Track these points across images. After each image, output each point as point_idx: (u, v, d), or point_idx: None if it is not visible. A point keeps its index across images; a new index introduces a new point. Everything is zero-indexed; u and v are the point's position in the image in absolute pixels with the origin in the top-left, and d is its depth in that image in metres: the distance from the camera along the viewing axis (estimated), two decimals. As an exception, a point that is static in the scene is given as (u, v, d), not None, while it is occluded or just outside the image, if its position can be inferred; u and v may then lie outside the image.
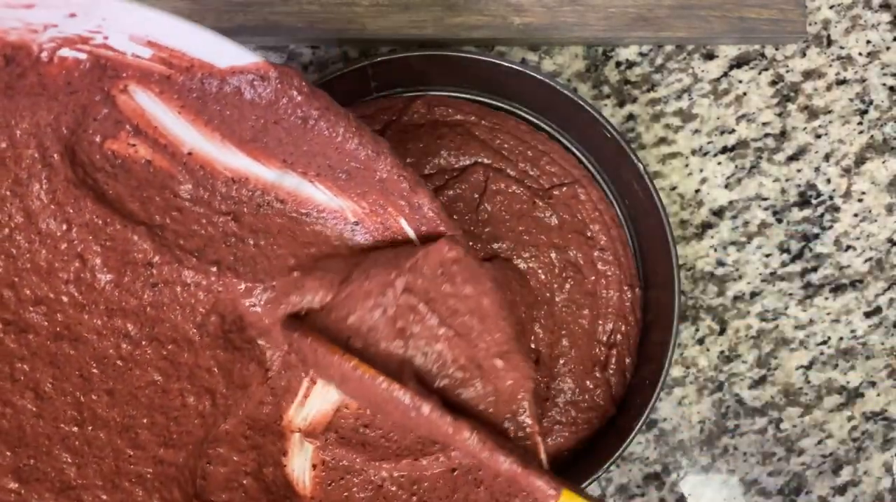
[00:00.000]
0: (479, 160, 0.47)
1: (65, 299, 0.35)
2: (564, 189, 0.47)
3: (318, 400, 0.38)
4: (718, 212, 0.52)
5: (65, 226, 0.35)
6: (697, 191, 0.52)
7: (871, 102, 0.52)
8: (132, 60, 0.33)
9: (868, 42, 0.52)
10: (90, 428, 0.35)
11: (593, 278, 0.47)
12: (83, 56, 0.32)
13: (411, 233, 0.37)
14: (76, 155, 0.35)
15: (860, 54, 0.52)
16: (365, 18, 0.48)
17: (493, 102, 0.48)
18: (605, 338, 0.47)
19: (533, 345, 0.46)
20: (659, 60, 0.51)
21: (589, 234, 0.47)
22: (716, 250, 0.52)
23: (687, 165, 0.51)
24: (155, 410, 0.36)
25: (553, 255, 0.47)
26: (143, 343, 0.36)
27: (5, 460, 0.33)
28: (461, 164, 0.47)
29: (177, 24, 0.33)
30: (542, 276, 0.47)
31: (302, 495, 0.38)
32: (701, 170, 0.51)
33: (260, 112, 0.35)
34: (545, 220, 0.47)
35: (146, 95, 0.34)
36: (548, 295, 0.47)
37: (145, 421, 0.36)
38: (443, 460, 0.37)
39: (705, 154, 0.52)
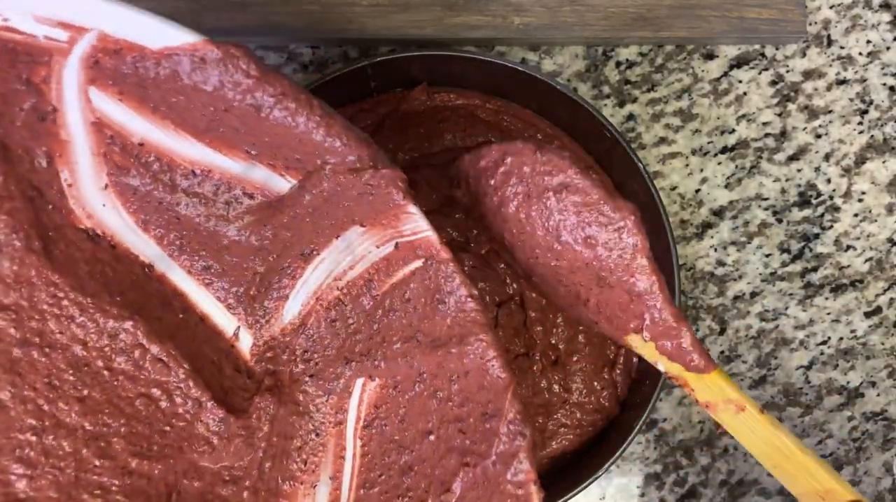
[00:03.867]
0: (488, 140, 0.46)
1: (45, 308, 0.33)
2: None
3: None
4: (718, 212, 0.51)
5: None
6: (697, 190, 0.51)
7: (871, 102, 0.52)
8: (45, 43, 0.30)
9: (868, 42, 0.52)
10: (51, 437, 0.33)
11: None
12: None
13: (406, 239, 0.35)
14: (9, 150, 0.32)
15: (860, 54, 0.52)
16: (365, 18, 0.47)
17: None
18: None
19: (553, 341, 0.46)
20: (659, 60, 0.51)
21: None
22: (716, 250, 0.52)
23: (687, 165, 0.51)
24: (138, 420, 0.34)
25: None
26: (146, 362, 0.34)
27: None
28: (468, 145, 0.47)
29: (90, 3, 0.29)
30: None
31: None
32: (701, 170, 0.51)
33: (206, 98, 0.31)
34: None
35: (75, 82, 0.31)
36: None
37: (123, 430, 0.34)
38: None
39: (705, 154, 0.52)
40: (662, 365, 0.36)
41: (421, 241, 0.34)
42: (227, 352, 0.36)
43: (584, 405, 0.46)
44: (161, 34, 0.30)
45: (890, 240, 0.52)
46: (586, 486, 0.43)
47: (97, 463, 0.33)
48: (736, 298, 0.52)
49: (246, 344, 0.36)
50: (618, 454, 0.43)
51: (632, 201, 0.46)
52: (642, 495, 0.51)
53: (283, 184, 0.34)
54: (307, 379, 0.36)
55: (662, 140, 0.51)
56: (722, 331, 0.52)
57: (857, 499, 0.33)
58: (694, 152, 0.51)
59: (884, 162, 0.52)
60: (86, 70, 0.31)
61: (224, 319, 0.36)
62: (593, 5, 0.48)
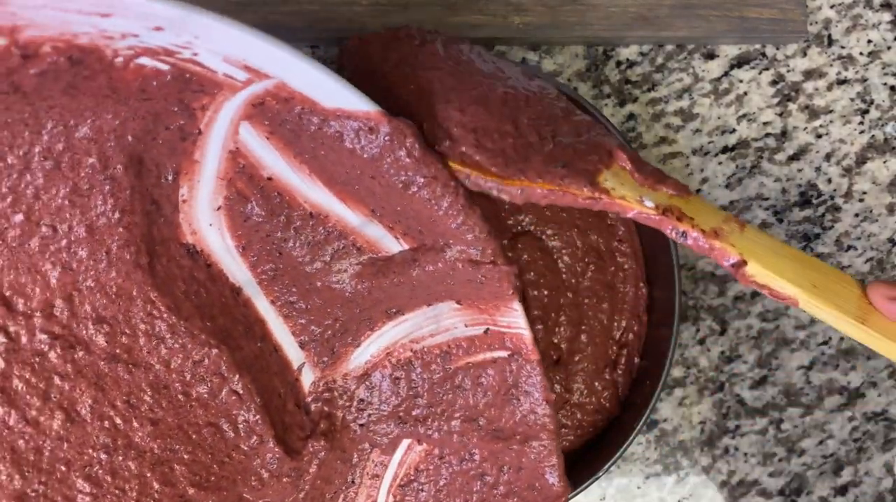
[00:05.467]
0: None
1: (138, 324, 0.33)
2: None
3: None
4: (719, 212, 0.51)
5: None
6: (698, 190, 0.51)
7: (871, 102, 0.52)
8: (222, 79, 0.30)
9: (869, 41, 0.52)
10: (121, 457, 0.33)
11: (612, 269, 0.46)
12: (165, 67, 0.28)
13: (499, 329, 0.35)
14: (143, 165, 0.32)
15: (861, 54, 0.52)
16: (365, 18, 0.47)
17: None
18: (618, 337, 0.47)
19: (555, 341, 0.46)
20: (659, 60, 0.51)
21: (609, 222, 0.47)
22: (716, 250, 0.51)
23: (688, 165, 0.51)
24: (203, 449, 0.34)
25: (575, 236, 0.46)
26: (222, 392, 0.34)
27: (11, 484, 0.31)
28: None
29: (283, 55, 0.29)
30: (567, 259, 0.46)
31: None
32: (702, 170, 0.51)
33: (359, 163, 0.31)
34: None
35: (231, 116, 0.31)
36: (573, 280, 0.46)
37: (187, 457, 0.34)
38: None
39: (706, 154, 0.51)
40: (649, 198, 0.31)
41: (513, 336, 0.34)
42: (293, 385, 0.36)
43: (585, 405, 0.46)
44: (338, 96, 0.30)
45: (891, 240, 0.52)
46: (587, 486, 0.43)
47: (158, 487, 0.33)
48: (736, 298, 0.51)
49: (307, 380, 0.36)
50: (618, 454, 0.43)
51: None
52: (643, 495, 0.51)
53: (395, 246, 0.34)
54: (357, 427, 0.36)
55: (663, 140, 0.51)
56: (722, 332, 0.52)
57: (884, 281, 0.30)
58: (694, 152, 0.51)
59: (884, 162, 0.52)
60: (248, 107, 0.31)
61: (294, 352, 0.36)
62: (593, 5, 0.48)
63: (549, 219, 0.46)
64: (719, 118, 0.51)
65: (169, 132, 0.31)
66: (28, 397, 0.31)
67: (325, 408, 0.36)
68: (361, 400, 0.36)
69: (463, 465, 0.35)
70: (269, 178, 0.33)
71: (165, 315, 0.33)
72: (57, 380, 0.32)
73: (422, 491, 0.36)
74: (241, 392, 0.34)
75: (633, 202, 0.31)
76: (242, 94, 0.30)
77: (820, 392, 0.52)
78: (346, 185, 0.33)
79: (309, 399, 0.36)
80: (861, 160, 0.52)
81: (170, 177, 0.33)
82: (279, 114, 0.31)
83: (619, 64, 0.51)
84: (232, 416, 0.34)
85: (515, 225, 0.45)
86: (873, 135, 0.52)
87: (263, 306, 0.35)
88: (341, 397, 0.36)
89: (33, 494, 0.31)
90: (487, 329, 0.34)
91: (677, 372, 0.51)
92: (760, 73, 0.51)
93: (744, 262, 0.30)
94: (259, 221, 0.34)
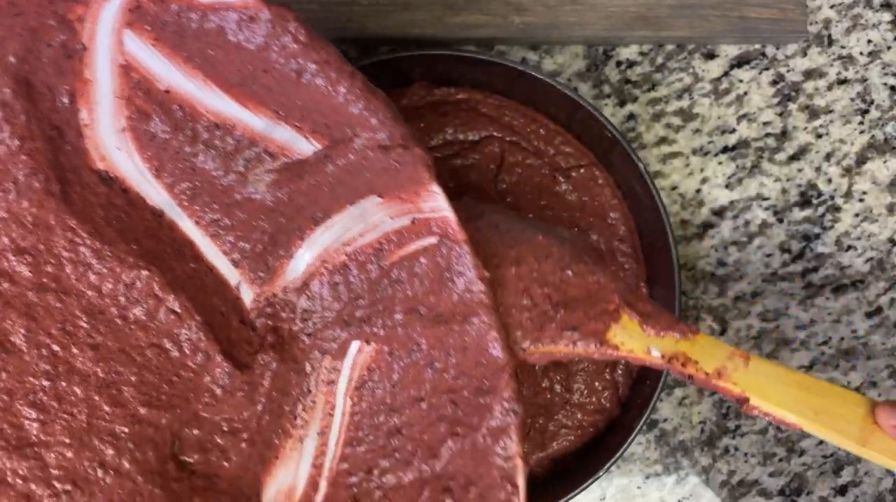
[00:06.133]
0: (492, 133, 0.46)
1: (62, 253, 0.33)
2: (582, 171, 0.46)
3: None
4: (719, 212, 0.51)
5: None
6: (698, 190, 0.51)
7: (871, 102, 0.52)
8: None
9: (869, 41, 0.52)
10: (64, 382, 0.33)
11: (613, 268, 0.46)
12: None
13: (424, 216, 0.34)
14: (32, 87, 0.31)
15: (861, 54, 0.52)
16: (365, 18, 0.47)
17: (494, 102, 0.48)
18: None
19: None
20: (659, 60, 0.51)
21: (610, 221, 0.47)
22: (716, 250, 0.51)
23: (688, 165, 0.51)
24: (149, 370, 0.34)
25: (577, 232, 0.46)
26: (160, 312, 0.34)
27: None
28: (471, 138, 0.46)
29: None
30: None
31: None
32: (702, 170, 0.51)
33: (247, 57, 0.31)
34: (566, 197, 0.46)
35: (111, 23, 0.31)
36: None
37: (133, 378, 0.34)
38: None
39: (706, 154, 0.51)
40: (656, 347, 0.34)
41: (439, 219, 0.34)
42: (234, 303, 0.36)
43: (585, 405, 0.46)
44: None
45: (891, 240, 0.52)
46: (587, 486, 0.43)
47: (108, 410, 0.34)
48: (737, 298, 0.51)
49: (247, 298, 0.36)
50: (618, 454, 0.43)
51: (632, 201, 0.47)
52: (643, 495, 0.51)
53: (306, 146, 0.34)
54: (305, 337, 0.36)
55: (663, 140, 0.51)
56: (723, 332, 0.52)
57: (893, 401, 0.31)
58: (694, 152, 0.51)
59: (885, 162, 0.52)
60: (125, 13, 0.31)
61: (228, 271, 0.36)
62: (594, 5, 0.48)
63: (551, 219, 0.46)
64: (719, 118, 0.51)
65: (52, 49, 0.31)
66: None
67: (270, 323, 0.36)
68: (305, 310, 0.36)
69: (412, 357, 0.36)
70: (167, 91, 0.33)
71: (88, 241, 0.33)
72: None
73: (377, 389, 0.36)
74: (178, 311, 0.34)
75: (641, 353, 0.34)
76: None
77: (820, 392, 0.52)
78: (242, 87, 0.32)
79: (252, 315, 0.36)
80: (861, 160, 0.52)
81: (66, 100, 0.32)
82: (158, 15, 0.30)
83: (619, 64, 0.51)
84: (174, 336, 0.35)
85: None
86: (873, 135, 0.52)
87: (188, 227, 0.35)
88: (284, 310, 0.36)
89: None
90: (414, 218, 0.34)
91: (677, 372, 0.51)
92: (760, 73, 0.51)
93: (747, 398, 0.32)
94: (166, 138, 0.34)
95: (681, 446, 0.51)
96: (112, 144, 0.33)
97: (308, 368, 0.36)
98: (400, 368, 0.36)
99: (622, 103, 0.51)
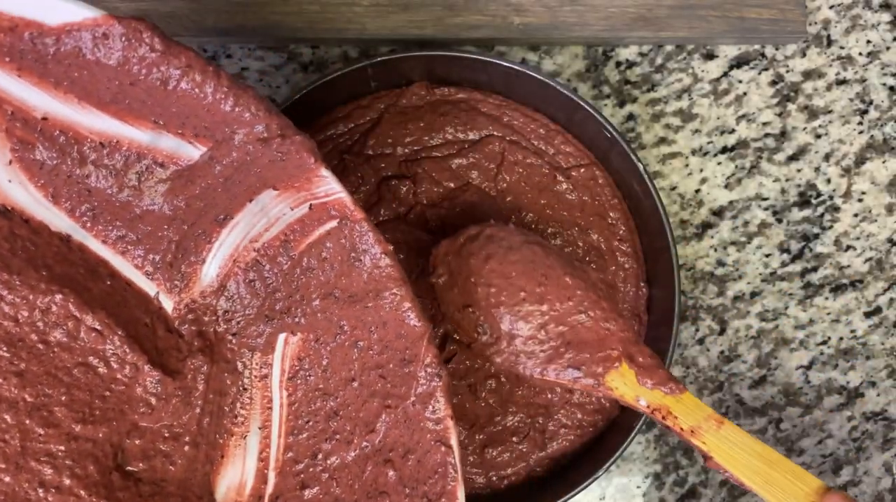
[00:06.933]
0: (492, 133, 0.46)
1: None
2: (583, 170, 0.47)
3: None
4: (718, 212, 0.52)
5: None
6: (697, 191, 0.52)
7: (871, 102, 0.52)
8: None
9: (868, 42, 0.52)
10: None
11: (613, 268, 0.47)
12: None
13: (320, 201, 0.35)
14: None
15: (860, 54, 0.52)
16: (365, 18, 0.47)
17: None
18: None
19: None
20: (659, 60, 0.51)
21: (610, 221, 0.47)
22: (716, 250, 0.52)
23: (687, 165, 0.51)
24: (78, 388, 0.35)
25: (576, 235, 0.46)
26: (81, 332, 0.35)
27: None
28: (471, 138, 0.47)
29: None
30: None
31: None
32: (701, 170, 0.51)
33: (111, 73, 0.31)
34: (566, 196, 0.46)
35: None
36: None
37: (63, 398, 0.35)
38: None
39: (705, 154, 0.52)
40: (644, 398, 0.38)
41: (334, 202, 0.34)
42: (158, 313, 0.37)
43: (585, 405, 0.46)
44: (59, 10, 0.30)
45: (890, 240, 0.52)
46: (586, 486, 0.43)
47: (41, 431, 0.34)
48: (736, 298, 0.52)
49: (169, 306, 0.37)
50: (618, 454, 0.43)
51: (632, 201, 0.47)
52: (642, 495, 0.51)
53: (193, 151, 0.34)
54: (230, 337, 0.37)
55: (662, 140, 0.51)
56: (722, 331, 0.52)
57: (843, 493, 0.35)
58: (694, 152, 0.51)
59: (884, 162, 0.52)
60: None
61: (145, 284, 0.36)
62: (593, 5, 0.48)
63: (550, 218, 0.46)
64: (719, 118, 0.51)
65: None
66: None
67: (195, 328, 0.37)
68: (226, 310, 0.37)
69: (337, 340, 0.36)
70: (45, 118, 0.33)
71: None
72: None
73: (309, 376, 0.37)
74: (99, 328, 0.35)
75: (631, 400, 0.38)
76: None
77: (819, 391, 0.52)
78: (117, 103, 0.33)
79: (177, 323, 0.37)
80: (860, 160, 0.52)
81: None
82: (14, 45, 0.31)
83: (618, 64, 0.51)
84: (99, 352, 0.35)
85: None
86: (872, 136, 0.52)
87: (97, 247, 0.36)
88: (206, 313, 0.37)
89: None
90: (311, 204, 0.35)
91: (677, 371, 0.51)
92: (760, 73, 0.52)
93: (711, 456, 0.37)
94: (55, 164, 0.34)
95: (680, 446, 0.51)
96: (3, 178, 0.34)
97: (240, 366, 0.37)
98: (327, 352, 0.36)
99: (622, 103, 0.51)
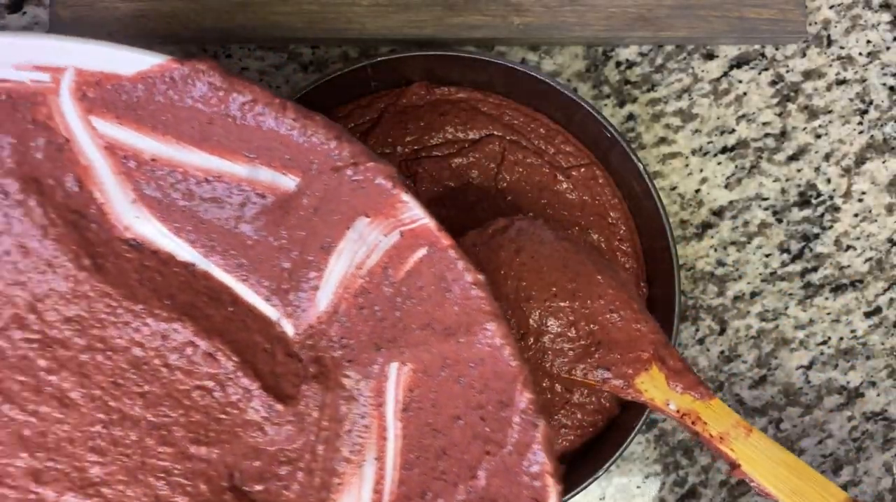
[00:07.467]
0: (492, 132, 0.46)
1: (103, 317, 0.36)
2: (583, 170, 0.47)
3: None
4: (718, 212, 0.52)
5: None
6: (697, 191, 0.52)
7: (871, 102, 0.52)
8: (34, 86, 0.33)
9: (868, 42, 0.52)
10: (118, 428, 0.36)
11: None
12: None
13: (408, 227, 0.35)
14: (41, 183, 0.35)
15: (860, 54, 0.52)
16: (365, 18, 0.48)
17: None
18: None
19: None
20: (659, 60, 0.51)
21: (610, 221, 0.47)
22: (716, 250, 0.52)
23: (687, 165, 0.51)
24: (196, 410, 0.37)
25: (576, 234, 0.46)
26: (197, 357, 0.37)
27: (23, 464, 0.35)
28: (472, 137, 0.47)
29: (56, 44, 0.32)
30: None
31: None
32: (701, 170, 0.51)
33: (188, 114, 0.33)
34: (567, 196, 0.46)
35: (75, 114, 0.33)
36: None
37: (182, 419, 0.37)
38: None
39: (705, 154, 0.52)
40: (674, 402, 0.37)
41: (421, 229, 0.34)
42: (279, 337, 0.38)
43: (585, 405, 0.46)
44: (130, 60, 0.32)
45: (890, 240, 0.52)
46: (586, 486, 0.43)
47: (160, 449, 0.36)
48: (736, 298, 0.52)
49: (290, 331, 0.37)
50: (618, 454, 0.43)
51: (632, 201, 0.47)
52: (642, 495, 0.51)
53: (289, 182, 0.35)
54: (346, 364, 0.37)
55: (662, 140, 0.51)
56: (722, 331, 0.52)
57: None
58: (694, 152, 0.51)
59: (884, 162, 0.52)
60: (79, 102, 0.33)
61: (267, 309, 0.38)
62: (593, 5, 0.48)
63: (551, 218, 0.46)
64: (719, 118, 0.51)
65: (41, 148, 0.34)
66: (23, 393, 0.35)
67: (313, 353, 0.37)
68: (341, 337, 0.37)
69: (443, 373, 0.35)
70: (153, 159, 0.35)
71: (124, 303, 0.36)
72: (43, 375, 0.35)
73: (421, 409, 0.36)
74: (213, 353, 0.36)
75: (660, 403, 0.37)
76: (62, 91, 0.33)
77: (819, 391, 0.52)
78: (206, 141, 0.34)
79: (297, 348, 0.37)
80: (860, 160, 0.52)
81: (75, 187, 0.35)
82: (105, 97, 0.33)
83: (618, 64, 0.51)
84: (215, 377, 0.37)
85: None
86: (872, 136, 0.52)
87: (220, 275, 0.37)
88: (322, 339, 0.37)
89: (47, 469, 0.35)
90: (400, 231, 0.34)
91: (677, 371, 0.51)
92: (760, 73, 0.52)
93: (739, 464, 0.36)
94: (170, 200, 0.36)
95: (680, 445, 0.51)
96: (131, 214, 0.36)
97: (357, 394, 0.37)
98: (436, 385, 0.35)
99: (622, 103, 0.51)
